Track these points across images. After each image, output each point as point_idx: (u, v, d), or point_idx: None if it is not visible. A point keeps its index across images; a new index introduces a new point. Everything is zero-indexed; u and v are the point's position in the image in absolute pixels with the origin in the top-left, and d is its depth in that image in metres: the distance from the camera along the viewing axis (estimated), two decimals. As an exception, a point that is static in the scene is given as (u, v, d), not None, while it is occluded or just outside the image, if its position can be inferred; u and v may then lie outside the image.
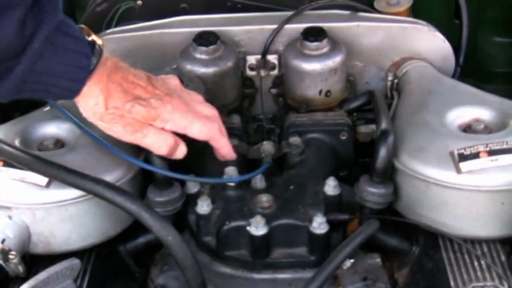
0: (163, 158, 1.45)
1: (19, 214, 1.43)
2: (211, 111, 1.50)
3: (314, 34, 1.73)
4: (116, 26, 1.98)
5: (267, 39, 1.79)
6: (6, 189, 1.42)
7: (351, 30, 1.80)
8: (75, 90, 1.33)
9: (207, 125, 1.45)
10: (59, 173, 1.36)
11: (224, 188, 1.55)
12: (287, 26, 1.79)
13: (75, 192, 1.41)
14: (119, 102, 1.36)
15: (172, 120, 1.41)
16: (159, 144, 1.42)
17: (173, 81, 1.50)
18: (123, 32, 1.84)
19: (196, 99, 1.50)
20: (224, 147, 1.50)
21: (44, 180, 1.42)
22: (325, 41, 1.72)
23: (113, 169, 1.47)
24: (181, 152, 1.45)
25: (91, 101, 1.35)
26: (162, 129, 1.41)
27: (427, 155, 1.46)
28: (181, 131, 1.43)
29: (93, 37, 1.35)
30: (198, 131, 1.44)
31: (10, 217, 1.42)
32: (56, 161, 1.39)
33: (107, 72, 1.35)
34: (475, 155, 1.42)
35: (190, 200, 1.55)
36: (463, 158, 1.42)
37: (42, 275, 1.31)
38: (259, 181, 1.56)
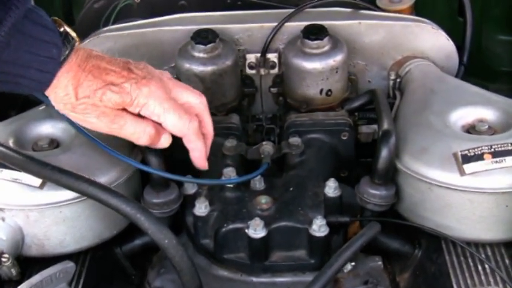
0: (160, 159, 1.43)
1: (12, 216, 1.41)
2: (197, 98, 1.42)
3: (315, 32, 1.70)
4: (113, 23, 1.97)
5: (267, 37, 1.76)
6: (-1, 190, 1.40)
7: (352, 28, 1.78)
8: (45, 82, 1.28)
9: (183, 120, 1.37)
10: (52, 174, 1.33)
11: (222, 190, 1.52)
12: (287, 24, 1.77)
13: (69, 194, 1.39)
14: (89, 90, 1.30)
15: (147, 105, 1.33)
16: (138, 134, 1.35)
17: (164, 75, 1.42)
18: (120, 30, 1.82)
19: (183, 85, 1.43)
20: (196, 151, 1.42)
21: (37, 181, 1.40)
22: (326, 39, 1.70)
23: (108, 170, 1.44)
24: (165, 140, 1.38)
25: (61, 92, 1.30)
26: (140, 116, 1.35)
27: (430, 156, 1.44)
28: (155, 118, 1.35)
29: (66, 28, 1.30)
30: (172, 123, 1.36)
31: (3, 219, 1.40)
32: (50, 161, 1.36)
33: (78, 62, 1.30)
34: (479, 157, 1.40)
35: (188, 202, 1.53)
36: (467, 159, 1.40)
37: (35, 279, 1.29)
38: (258, 182, 1.54)
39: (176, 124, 1.36)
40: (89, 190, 1.32)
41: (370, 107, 1.69)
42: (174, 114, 1.35)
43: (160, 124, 1.36)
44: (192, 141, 1.40)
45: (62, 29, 1.29)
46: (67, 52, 1.29)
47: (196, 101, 1.41)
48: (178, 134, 1.39)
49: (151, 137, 1.36)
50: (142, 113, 1.35)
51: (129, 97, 1.32)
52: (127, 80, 1.33)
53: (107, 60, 1.34)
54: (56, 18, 1.31)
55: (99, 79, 1.31)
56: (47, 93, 1.31)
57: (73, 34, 1.31)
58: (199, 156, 1.43)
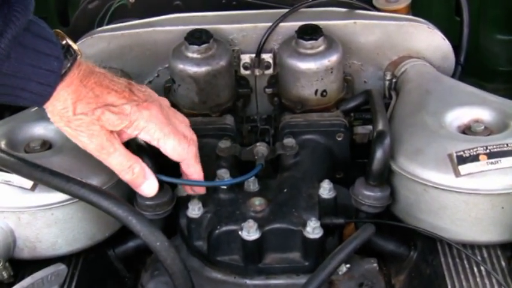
0: (152, 161, 1.41)
1: (3, 218, 1.39)
2: (192, 135, 1.44)
3: (309, 32, 1.69)
4: (108, 23, 1.95)
5: (262, 38, 1.75)
6: (-10, 192, 1.39)
7: (347, 28, 1.77)
8: (45, 95, 1.27)
9: (182, 145, 1.39)
10: (43, 176, 1.32)
11: (216, 191, 1.51)
12: (282, 24, 1.76)
13: (61, 196, 1.38)
14: (88, 108, 1.30)
15: (147, 128, 1.35)
16: (123, 167, 1.36)
17: (162, 101, 1.44)
18: (115, 30, 1.81)
19: (181, 119, 1.45)
20: (195, 175, 1.45)
21: (29, 183, 1.39)
22: (321, 39, 1.69)
23: (100, 172, 1.43)
24: (147, 187, 1.40)
25: (59, 105, 1.29)
26: (132, 152, 1.37)
27: (425, 157, 1.43)
28: (153, 142, 1.37)
29: (68, 41, 1.30)
30: (172, 148, 1.39)
31: (-6, 221, 1.39)
32: (42, 163, 1.35)
33: (80, 76, 1.30)
34: (475, 158, 1.39)
35: (181, 204, 1.52)
36: (462, 160, 1.39)
37: (27, 281, 1.29)
38: (252, 184, 1.53)
39: (176, 148, 1.39)
40: (80, 192, 1.31)
41: (366, 107, 1.68)
42: (174, 139, 1.38)
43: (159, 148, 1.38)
44: (191, 166, 1.43)
45: (64, 42, 1.28)
46: (68, 65, 1.28)
47: (191, 136, 1.43)
48: (177, 158, 1.41)
49: (135, 176, 1.38)
50: (141, 137, 1.36)
51: (127, 119, 1.33)
52: (128, 102, 1.33)
53: (109, 79, 1.34)
54: (58, 30, 1.31)
55: (99, 98, 1.31)
56: (45, 105, 1.30)
57: (75, 47, 1.30)
58: (198, 180, 1.45)
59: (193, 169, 1.43)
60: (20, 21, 1.19)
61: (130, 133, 1.35)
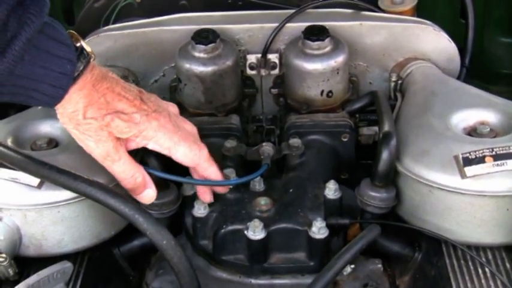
0: (158, 160, 1.42)
1: (10, 215, 1.40)
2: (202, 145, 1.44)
3: (316, 33, 1.69)
4: (114, 22, 1.95)
5: (268, 38, 1.75)
6: (-4, 189, 1.40)
7: (353, 29, 1.77)
8: (57, 97, 1.27)
9: (193, 150, 1.40)
10: (50, 174, 1.32)
11: (222, 191, 1.51)
12: (288, 25, 1.76)
13: (67, 194, 1.38)
14: (98, 113, 1.30)
15: (156, 138, 1.36)
16: (126, 176, 1.37)
17: (171, 108, 1.44)
18: (121, 29, 1.81)
19: (190, 129, 1.45)
20: (213, 175, 1.45)
21: (35, 181, 1.39)
22: (327, 40, 1.69)
23: (106, 170, 1.42)
24: (147, 195, 1.41)
25: (70, 108, 1.29)
26: (137, 162, 1.38)
27: (431, 158, 1.43)
28: (164, 151, 1.38)
29: (82, 43, 1.29)
30: (183, 155, 1.39)
31: (1, 218, 1.39)
32: (49, 161, 1.35)
33: (92, 81, 1.29)
34: (480, 160, 1.39)
35: (187, 203, 1.52)
36: (468, 162, 1.39)
37: (32, 279, 1.29)
38: (257, 184, 1.53)
39: (187, 155, 1.39)
40: (87, 190, 1.30)
41: (371, 108, 1.68)
42: (185, 145, 1.38)
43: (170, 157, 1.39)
44: (206, 169, 1.44)
45: (78, 44, 1.28)
46: (81, 68, 1.27)
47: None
48: (190, 164, 1.42)
49: (136, 185, 1.38)
50: (150, 147, 1.37)
51: (136, 128, 1.33)
52: (138, 111, 1.34)
53: (121, 85, 1.34)
54: (73, 32, 1.30)
55: (110, 104, 1.31)
56: (55, 107, 1.30)
57: (88, 49, 1.30)
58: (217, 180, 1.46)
59: (209, 171, 1.44)
60: (35, 24, 1.18)
61: (138, 142, 1.36)
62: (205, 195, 1.48)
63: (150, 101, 1.37)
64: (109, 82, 1.32)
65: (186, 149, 1.38)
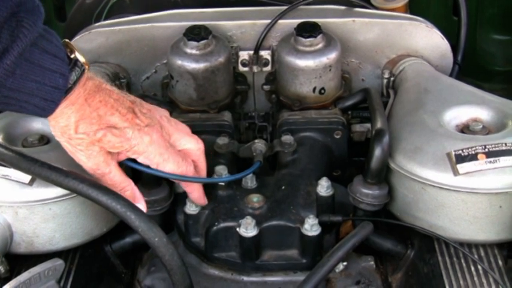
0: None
1: (1, 212, 1.39)
2: (195, 144, 1.44)
3: (308, 29, 1.69)
4: (105, 19, 1.94)
5: (260, 35, 1.75)
6: (-13, 186, 1.39)
7: (346, 26, 1.76)
8: (48, 110, 1.26)
9: (181, 168, 1.40)
10: (41, 171, 1.31)
11: (214, 188, 1.51)
12: (281, 21, 1.76)
13: (59, 191, 1.38)
14: (90, 128, 1.29)
15: (147, 154, 1.36)
16: (115, 189, 1.35)
17: (163, 112, 1.44)
18: (112, 26, 1.80)
19: (182, 129, 1.45)
20: (194, 193, 1.46)
21: (27, 177, 1.38)
22: (319, 37, 1.68)
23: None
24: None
25: (62, 122, 1.29)
26: (127, 176, 1.38)
27: (424, 155, 1.43)
28: (153, 166, 1.38)
29: (76, 55, 1.28)
30: (170, 171, 1.39)
31: (-9, 216, 1.39)
32: (40, 157, 1.34)
33: (85, 95, 1.28)
34: (473, 157, 1.39)
35: (179, 200, 1.52)
36: (461, 159, 1.39)
37: (23, 276, 1.27)
38: (250, 181, 1.53)
39: (174, 171, 1.39)
40: (78, 187, 1.30)
41: (364, 105, 1.68)
42: (173, 163, 1.38)
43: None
44: (189, 185, 1.45)
45: (72, 56, 1.27)
46: (73, 81, 1.26)
47: (194, 147, 1.44)
48: (175, 180, 1.45)
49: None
50: (140, 160, 1.37)
51: (128, 144, 1.33)
52: (130, 125, 1.33)
53: (114, 98, 1.33)
54: (68, 41, 1.29)
55: (103, 118, 1.30)
56: (48, 119, 1.29)
57: (82, 60, 1.29)
58: (198, 196, 1.47)
59: (191, 187, 1.46)
60: (28, 38, 1.17)
61: (129, 155, 1.36)
62: (200, 200, 1.48)
63: (142, 114, 1.36)
64: (102, 95, 1.31)
65: (175, 165, 1.39)
